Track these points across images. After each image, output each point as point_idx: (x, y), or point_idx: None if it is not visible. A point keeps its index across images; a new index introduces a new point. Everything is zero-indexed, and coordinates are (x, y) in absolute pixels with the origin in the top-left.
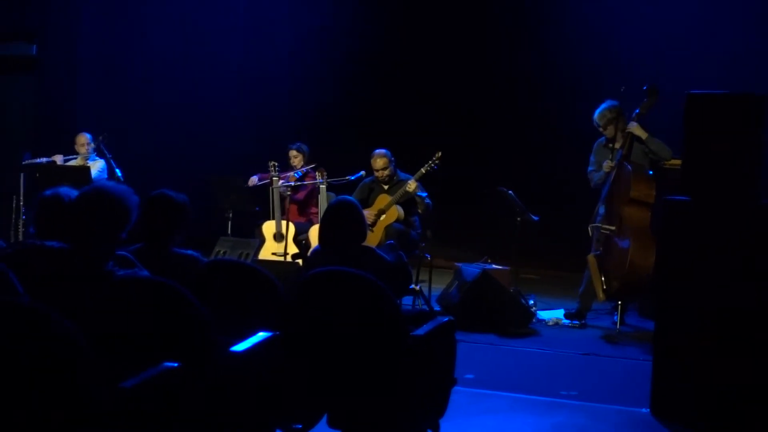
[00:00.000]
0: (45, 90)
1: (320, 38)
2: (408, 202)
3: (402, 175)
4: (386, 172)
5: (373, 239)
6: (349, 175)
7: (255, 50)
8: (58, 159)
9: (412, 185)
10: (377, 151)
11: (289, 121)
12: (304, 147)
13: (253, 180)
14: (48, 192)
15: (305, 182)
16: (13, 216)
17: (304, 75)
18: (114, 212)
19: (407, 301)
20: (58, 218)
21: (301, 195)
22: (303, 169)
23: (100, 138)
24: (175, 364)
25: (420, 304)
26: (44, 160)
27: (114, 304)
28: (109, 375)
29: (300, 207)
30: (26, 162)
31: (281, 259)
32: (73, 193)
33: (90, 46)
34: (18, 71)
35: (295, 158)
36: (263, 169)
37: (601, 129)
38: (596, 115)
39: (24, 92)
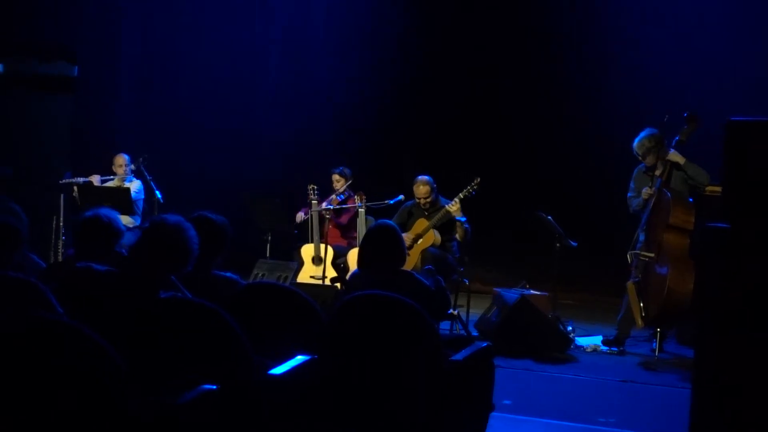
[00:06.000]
0: (85, 110)
1: (360, 62)
2: (445, 226)
3: (443, 200)
4: (428, 200)
5: (408, 263)
6: (388, 199)
7: (295, 72)
8: (95, 179)
9: (454, 206)
10: (420, 177)
11: (328, 143)
12: (347, 171)
13: (300, 216)
14: (88, 213)
15: (345, 206)
16: (53, 237)
17: (343, 98)
18: (183, 255)
19: (445, 326)
20: (97, 238)
21: (344, 219)
22: (345, 192)
23: (141, 159)
24: (214, 387)
25: (458, 329)
26: (81, 180)
27: (155, 326)
28: (148, 396)
29: (342, 230)
30: (64, 181)
31: (319, 282)
32: (113, 214)
33: (130, 68)
34: (59, 91)
35: (338, 182)
36: (305, 198)
37: (640, 158)
38: (635, 144)
39: (64, 112)
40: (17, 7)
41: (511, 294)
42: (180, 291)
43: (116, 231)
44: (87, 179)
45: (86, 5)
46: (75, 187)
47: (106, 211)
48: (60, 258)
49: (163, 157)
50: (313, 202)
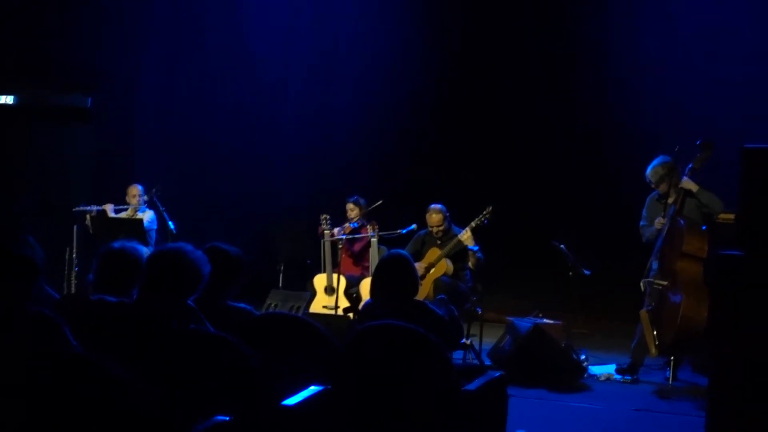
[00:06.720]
0: (100, 141)
1: (374, 94)
2: (458, 255)
3: (456, 229)
4: (441, 228)
5: (421, 293)
6: (401, 228)
7: (311, 105)
8: (109, 208)
9: (465, 235)
10: (433, 206)
11: (342, 173)
12: (362, 200)
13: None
14: (115, 245)
15: (357, 235)
16: (66, 268)
17: (358, 128)
18: (188, 277)
19: (458, 355)
20: (120, 272)
21: (357, 247)
22: (359, 221)
23: (154, 190)
24: (227, 418)
25: (471, 358)
26: (95, 208)
27: (168, 356)
28: (162, 427)
29: (355, 259)
30: (77, 209)
31: (332, 312)
32: (140, 248)
33: (147, 98)
34: (73, 122)
35: (352, 211)
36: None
37: (653, 185)
38: (648, 171)
39: (78, 143)
40: (30, 39)
41: (524, 323)
42: (198, 318)
43: (140, 270)
44: (100, 207)
45: (103, 36)
46: (88, 216)
47: (132, 246)
48: (73, 289)
49: (180, 186)
50: (325, 231)
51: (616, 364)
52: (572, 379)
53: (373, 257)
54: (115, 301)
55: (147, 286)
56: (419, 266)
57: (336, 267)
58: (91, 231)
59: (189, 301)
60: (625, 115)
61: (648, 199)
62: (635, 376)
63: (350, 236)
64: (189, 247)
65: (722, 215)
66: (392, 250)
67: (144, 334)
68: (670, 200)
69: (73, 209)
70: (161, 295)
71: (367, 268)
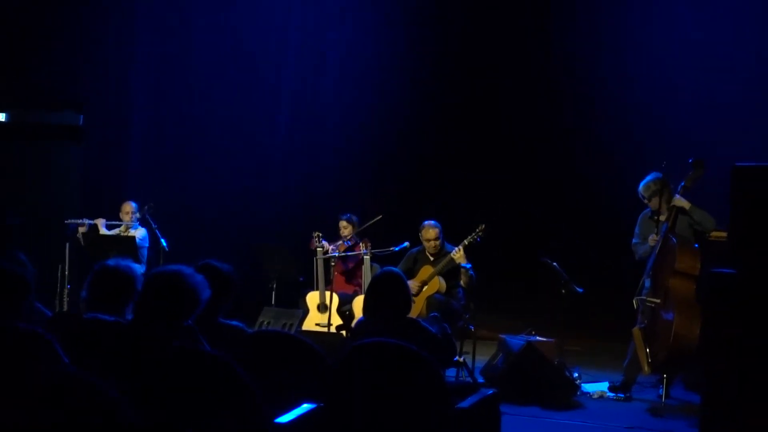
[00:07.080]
0: (92, 159)
1: (363, 113)
2: (450, 272)
3: (449, 247)
4: (436, 243)
5: (413, 310)
6: (394, 246)
7: (306, 112)
8: (101, 222)
9: (458, 253)
10: (428, 222)
11: (333, 191)
12: (354, 218)
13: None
14: (110, 262)
15: (350, 253)
16: (58, 286)
17: (349, 148)
18: (185, 301)
19: (451, 372)
20: (113, 290)
21: (350, 264)
22: (352, 238)
23: (146, 208)
24: None
25: (464, 376)
26: (87, 221)
27: (162, 376)
28: None
29: (348, 277)
30: (69, 221)
31: (325, 330)
32: (134, 267)
33: (139, 116)
34: (65, 140)
35: (345, 229)
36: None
37: (646, 201)
38: (641, 187)
39: (70, 161)
40: (21, 57)
41: (517, 340)
42: (196, 337)
43: (134, 289)
44: (92, 222)
45: (93, 54)
46: (79, 229)
47: (126, 265)
48: (65, 307)
49: (171, 204)
50: (318, 249)
51: (609, 382)
52: (565, 397)
53: (366, 275)
54: (111, 320)
55: (143, 306)
56: (413, 284)
57: (328, 284)
58: (82, 243)
59: (188, 321)
60: (615, 133)
61: (640, 217)
62: (628, 394)
63: (343, 254)
64: (188, 270)
65: (714, 233)
66: (385, 268)
67: (138, 353)
68: (662, 218)
69: (65, 221)
70: (157, 317)
71: (360, 285)
